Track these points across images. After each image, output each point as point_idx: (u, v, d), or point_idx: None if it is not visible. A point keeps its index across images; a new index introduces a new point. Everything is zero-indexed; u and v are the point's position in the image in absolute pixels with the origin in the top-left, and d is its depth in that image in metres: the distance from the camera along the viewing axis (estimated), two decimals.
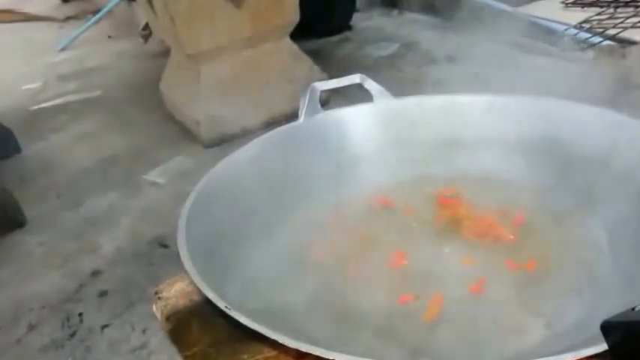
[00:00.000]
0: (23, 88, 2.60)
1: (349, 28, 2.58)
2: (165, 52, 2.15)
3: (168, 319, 0.55)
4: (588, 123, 0.63)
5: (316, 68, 1.94)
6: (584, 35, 1.76)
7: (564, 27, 1.84)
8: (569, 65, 1.73)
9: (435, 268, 0.56)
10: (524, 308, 0.51)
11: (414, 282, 0.55)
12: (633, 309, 0.36)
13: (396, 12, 2.68)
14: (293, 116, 0.72)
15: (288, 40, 1.93)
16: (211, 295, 0.46)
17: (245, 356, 0.49)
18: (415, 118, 0.72)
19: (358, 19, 2.65)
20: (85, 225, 1.58)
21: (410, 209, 0.64)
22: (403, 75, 2.06)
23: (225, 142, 1.80)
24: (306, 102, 0.70)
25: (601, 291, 0.50)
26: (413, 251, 0.59)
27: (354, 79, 0.72)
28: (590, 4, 1.95)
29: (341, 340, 0.50)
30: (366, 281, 0.56)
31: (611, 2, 1.89)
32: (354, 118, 0.72)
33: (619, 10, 1.84)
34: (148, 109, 2.14)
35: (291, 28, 1.91)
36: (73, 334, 1.23)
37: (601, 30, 1.74)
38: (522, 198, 0.64)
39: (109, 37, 3.13)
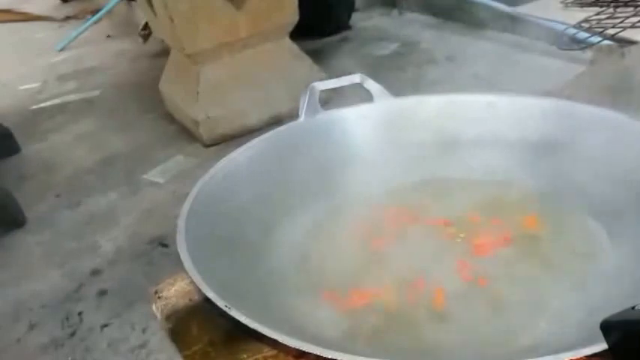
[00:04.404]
0: (22, 87, 2.60)
1: (349, 27, 2.58)
2: (165, 52, 2.15)
3: (167, 318, 0.55)
4: (588, 123, 0.63)
5: (316, 68, 1.94)
6: (583, 35, 1.76)
7: (563, 27, 1.84)
8: (568, 65, 1.73)
9: (432, 263, 0.56)
10: (523, 307, 0.51)
11: (409, 274, 0.55)
12: (633, 308, 0.36)
13: (395, 12, 2.68)
14: (293, 116, 0.72)
15: (288, 40, 1.93)
16: (211, 295, 0.46)
17: (245, 355, 0.49)
18: (415, 118, 0.72)
19: (358, 19, 2.64)
20: (85, 224, 1.58)
21: (409, 209, 0.64)
22: (403, 75, 2.06)
23: (225, 141, 1.80)
24: (306, 102, 0.70)
25: (601, 290, 0.50)
26: (409, 250, 0.59)
27: (354, 78, 0.72)
28: (590, 4, 1.95)
29: (344, 338, 0.50)
30: (366, 278, 0.56)
31: (611, 2, 1.89)
32: (354, 118, 0.72)
33: (618, 9, 1.84)
34: (148, 108, 2.13)
35: (291, 28, 1.91)
36: (72, 334, 1.23)
37: (600, 30, 1.74)
38: (522, 198, 0.64)
39: (109, 36, 3.13)
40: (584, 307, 0.49)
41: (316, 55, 2.08)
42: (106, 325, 1.23)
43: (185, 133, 1.93)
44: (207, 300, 0.46)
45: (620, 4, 1.86)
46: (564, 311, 0.50)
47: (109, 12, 3.18)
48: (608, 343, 0.36)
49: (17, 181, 1.81)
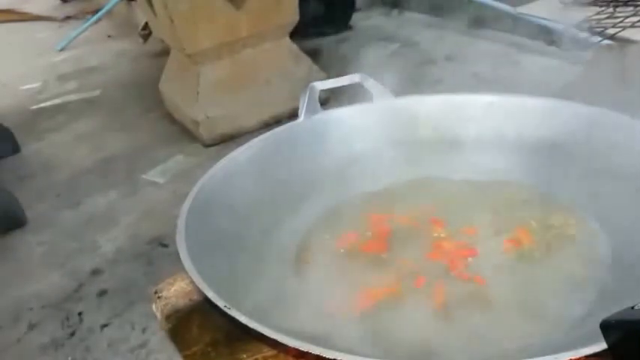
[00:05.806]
0: (23, 87, 2.60)
1: (349, 27, 2.58)
2: (165, 52, 2.15)
3: (167, 318, 0.55)
4: (588, 123, 0.63)
5: (315, 68, 1.94)
6: (583, 35, 1.76)
7: (563, 27, 1.84)
8: (568, 65, 1.73)
9: (431, 263, 0.56)
10: (523, 307, 0.51)
11: (409, 274, 0.55)
12: (633, 308, 0.36)
13: (396, 12, 2.67)
14: (293, 116, 0.72)
15: (287, 40, 1.93)
16: (211, 295, 0.46)
17: (244, 355, 0.49)
18: (415, 118, 0.72)
19: (358, 19, 2.64)
20: (85, 224, 1.58)
21: (408, 209, 0.64)
22: (403, 74, 2.05)
23: (225, 141, 1.80)
24: (306, 101, 0.70)
25: (601, 290, 0.51)
26: (409, 251, 0.59)
27: (354, 78, 0.72)
28: (590, 4, 1.95)
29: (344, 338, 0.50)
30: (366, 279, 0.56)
31: (610, 2, 1.89)
32: (354, 118, 0.72)
33: (618, 9, 1.84)
34: (148, 108, 2.13)
35: (290, 28, 1.91)
36: (72, 334, 1.23)
37: (600, 29, 1.74)
38: (521, 198, 0.64)
39: (109, 36, 3.13)
40: (583, 306, 0.49)
41: (316, 55, 2.08)
42: (106, 325, 1.23)
43: (185, 132, 1.93)
44: (207, 300, 0.46)
45: (620, 3, 1.86)
46: (564, 311, 0.50)
47: (109, 12, 3.18)
48: (608, 343, 0.36)
49: (17, 181, 1.81)
